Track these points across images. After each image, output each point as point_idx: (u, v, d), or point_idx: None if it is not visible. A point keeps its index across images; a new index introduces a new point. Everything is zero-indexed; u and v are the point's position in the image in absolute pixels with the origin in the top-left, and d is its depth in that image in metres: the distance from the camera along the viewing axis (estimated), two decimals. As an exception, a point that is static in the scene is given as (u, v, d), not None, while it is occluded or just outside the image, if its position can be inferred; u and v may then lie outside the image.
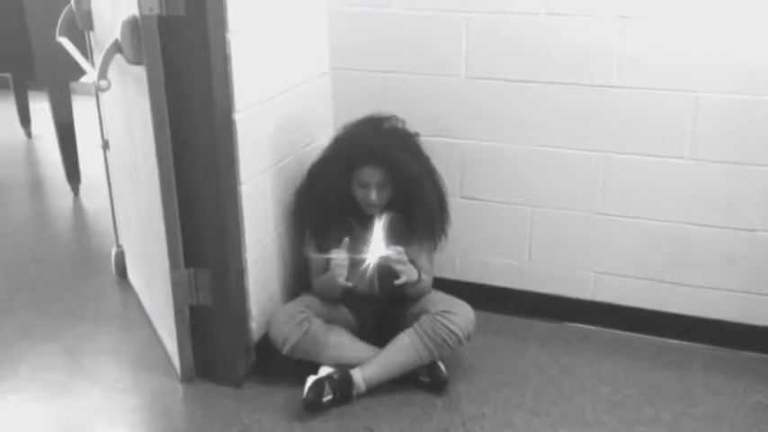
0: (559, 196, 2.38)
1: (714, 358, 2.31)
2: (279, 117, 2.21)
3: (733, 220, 2.23)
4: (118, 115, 2.42)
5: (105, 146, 2.71)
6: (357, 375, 2.10)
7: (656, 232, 2.32)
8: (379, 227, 2.08)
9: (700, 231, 2.27)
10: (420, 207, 2.17)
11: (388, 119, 2.18)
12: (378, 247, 2.05)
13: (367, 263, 2.05)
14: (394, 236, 2.12)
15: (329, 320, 2.17)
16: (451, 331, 2.10)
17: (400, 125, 2.20)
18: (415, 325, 2.13)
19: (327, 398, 2.05)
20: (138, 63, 1.90)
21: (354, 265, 2.08)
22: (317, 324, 2.12)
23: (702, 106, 2.15)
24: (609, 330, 2.45)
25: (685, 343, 2.38)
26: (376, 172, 2.10)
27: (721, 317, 2.34)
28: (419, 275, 2.14)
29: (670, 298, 2.37)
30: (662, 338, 2.40)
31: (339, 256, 2.07)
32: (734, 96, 2.12)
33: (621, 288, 2.41)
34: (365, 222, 2.15)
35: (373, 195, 2.12)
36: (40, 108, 4.15)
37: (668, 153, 2.23)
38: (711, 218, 2.25)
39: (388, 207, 2.17)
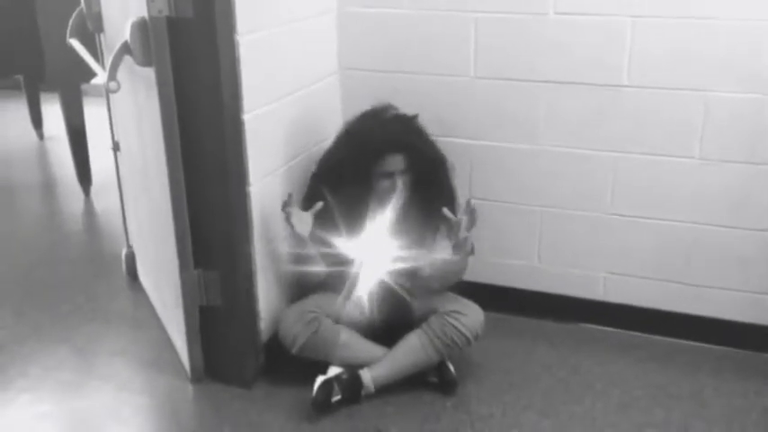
0: (569, 196, 2.37)
1: (725, 359, 2.30)
2: (287, 118, 2.22)
3: (744, 219, 2.22)
4: (128, 117, 2.43)
5: (116, 147, 2.72)
6: (366, 376, 2.10)
7: (666, 232, 2.30)
8: (382, 224, 2.09)
9: (710, 231, 2.26)
10: (443, 185, 2.18)
11: (387, 108, 2.19)
12: (382, 250, 2.05)
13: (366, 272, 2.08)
14: (408, 228, 2.12)
15: (338, 320, 2.17)
16: (460, 332, 2.10)
17: (399, 112, 2.21)
18: (424, 325, 2.13)
19: (336, 398, 2.06)
20: (147, 65, 1.90)
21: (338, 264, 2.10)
22: (327, 324, 2.12)
23: (712, 105, 2.14)
24: (619, 331, 2.44)
25: (696, 344, 2.37)
26: (398, 159, 2.11)
27: (732, 317, 2.32)
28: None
29: (680, 298, 2.36)
30: (672, 339, 2.39)
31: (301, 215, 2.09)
32: (744, 95, 2.11)
33: (632, 288, 2.40)
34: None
35: (399, 183, 2.12)
36: (52, 110, 4.19)
37: (678, 153, 2.22)
38: (722, 218, 2.24)
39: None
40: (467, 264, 2.17)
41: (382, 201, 2.14)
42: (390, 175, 2.12)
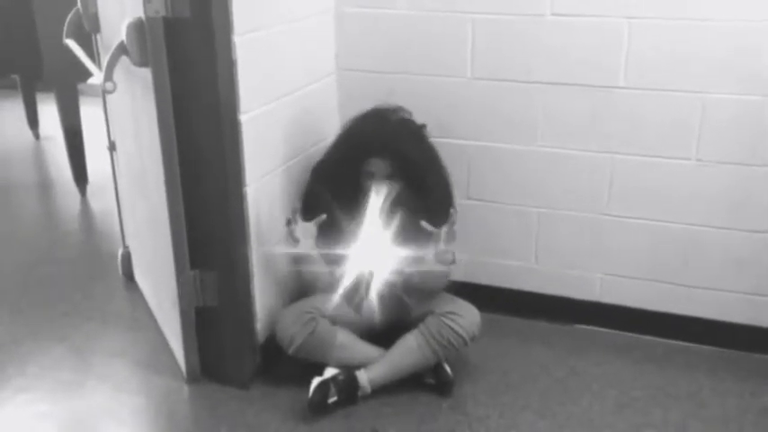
0: (566, 197, 2.37)
1: (721, 360, 2.30)
2: (285, 118, 2.21)
3: (740, 221, 2.22)
4: (124, 117, 2.43)
5: (112, 147, 2.72)
6: (362, 377, 2.10)
7: (662, 233, 2.31)
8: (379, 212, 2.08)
9: (707, 233, 2.26)
10: (432, 195, 2.16)
11: (395, 111, 2.18)
12: (381, 246, 2.05)
13: (366, 272, 2.08)
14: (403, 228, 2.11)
15: (335, 321, 2.17)
16: (457, 333, 2.10)
17: (407, 116, 2.20)
18: (421, 326, 2.13)
19: (332, 399, 2.05)
20: (143, 65, 1.90)
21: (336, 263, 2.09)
22: (323, 325, 2.12)
23: (709, 107, 2.14)
24: (616, 332, 2.45)
25: (693, 345, 2.37)
26: (384, 164, 2.11)
27: (729, 319, 2.32)
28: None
29: (677, 300, 2.36)
30: (669, 340, 2.39)
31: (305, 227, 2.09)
32: (741, 97, 2.11)
33: (628, 290, 2.40)
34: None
35: (382, 187, 2.11)
36: (48, 109, 4.17)
37: (675, 154, 2.22)
38: (718, 219, 2.24)
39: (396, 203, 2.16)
40: (448, 273, 2.16)
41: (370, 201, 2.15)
42: (374, 176, 2.12)
